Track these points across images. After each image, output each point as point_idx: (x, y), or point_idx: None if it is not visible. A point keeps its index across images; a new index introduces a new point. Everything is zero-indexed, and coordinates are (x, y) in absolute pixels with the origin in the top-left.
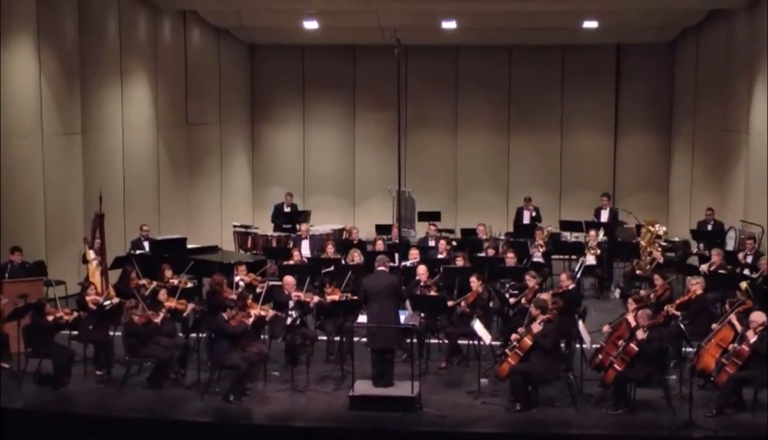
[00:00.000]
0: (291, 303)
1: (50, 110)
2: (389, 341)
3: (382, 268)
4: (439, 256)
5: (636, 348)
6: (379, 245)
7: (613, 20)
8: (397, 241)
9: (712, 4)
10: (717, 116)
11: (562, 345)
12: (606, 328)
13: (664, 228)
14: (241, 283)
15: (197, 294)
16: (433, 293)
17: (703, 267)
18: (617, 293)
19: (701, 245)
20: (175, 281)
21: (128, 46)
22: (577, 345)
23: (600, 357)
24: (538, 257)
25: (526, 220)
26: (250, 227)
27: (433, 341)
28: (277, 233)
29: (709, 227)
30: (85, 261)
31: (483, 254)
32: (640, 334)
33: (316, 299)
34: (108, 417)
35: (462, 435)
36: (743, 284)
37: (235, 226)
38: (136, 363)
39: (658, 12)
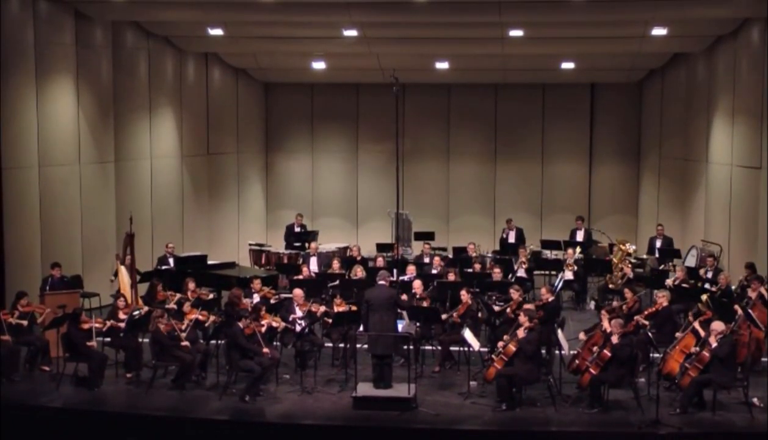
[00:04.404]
0: (298, 314)
1: (87, 141)
2: (388, 347)
3: (382, 282)
4: (433, 271)
5: (609, 354)
6: (380, 262)
7: (588, 62)
8: (397, 258)
9: (674, 48)
10: (680, 147)
11: (543, 351)
12: (582, 336)
13: (634, 247)
14: (256, 297)
15: (217, 305)
16: (425, 304)
17: (668, 282)
18: (592, 304)
19: (666, 261)
20: (197, 294)
21: (156, 84)
22: (556, 352)
23: (577, 361)
24: (521, 272)
25: (511, 239)
26: (264, 246)
27: (428, 347)
28: (288, 251)
29: (659, 243)
30: (116, 275)
31: (471, 270)
32: (614, 340)
33: (323, 309)
34: (137, 414)
35: (453, 431)
36: (704, 297)
37: (250, 244)
38: (161, 367)
39: (627, 55)
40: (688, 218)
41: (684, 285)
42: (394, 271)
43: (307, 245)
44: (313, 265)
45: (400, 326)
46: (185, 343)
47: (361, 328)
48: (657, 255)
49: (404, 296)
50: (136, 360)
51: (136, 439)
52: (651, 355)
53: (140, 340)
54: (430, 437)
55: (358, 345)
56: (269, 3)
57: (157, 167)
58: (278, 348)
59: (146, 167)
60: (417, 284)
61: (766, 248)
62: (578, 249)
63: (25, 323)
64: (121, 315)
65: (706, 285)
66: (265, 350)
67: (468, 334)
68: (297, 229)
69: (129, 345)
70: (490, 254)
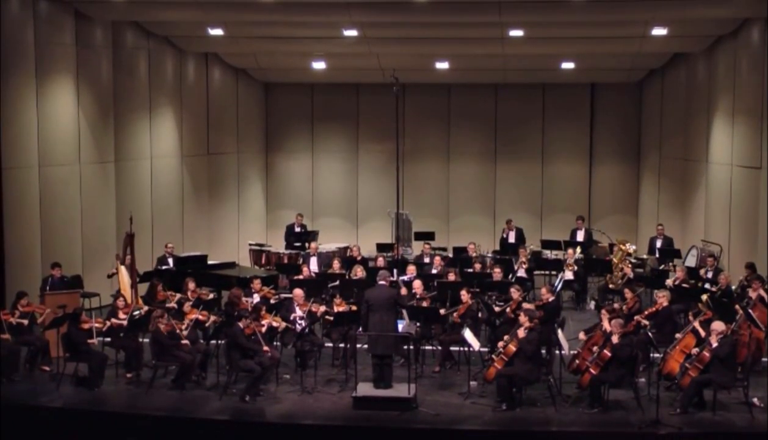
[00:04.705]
0: (298, 313)
1: (87, 141)
2: (389, 347)
3: (382, 282)
4: (433, 271)
5: (609, 354)
6: (380, 262)
7: (588, 62)
8: (397, 258)
9: (674, 48)
10: (680, 146)
11: (543, 351)
12: (582, 336)
13: (634, 247)
14: (255, 298)
15: (217, 305)
16: (425, 304)
17: (669, 282)
18: (592, 304)
19: (666, 261)
20: (197, 294)
21: (156, 84)
22: (556, 352)
23: (577, 361)
24: (521, 272)
25: (511, 239)
26: (264, 246)
27: (428, 347)
28: (288, 251)
29: (659, 243)
30: (111, 275)
31: (472, 270)
32: (615, 340)
33: (323, 309)
34: (137, 414)
35: (454, 432)
36: (704, 297)
37: (250, 244)
38: (162, 367)
39: (627, 55)
40: (688, 218)
41: (684, 285)
42: (395, 271)
43: (307, 245)
44: (314, 265)
45: (400, 327)
46: (185, 342)
47: (361, 329)
48: (657, 255)
49: (404, 291)
50: (136, 360)
51: (136, 439)
52: (651, 355)
53: (140, 340)
54: (430, 437)
55: (358, 345)
56: (269, 3)
57: (157, 167)
58: (278, 348)
59: (146, 167)
60: (417, 284)
61: (766, 248)
62: (578, 249)
63: (25, 322)
64: (121, 315)
65: (707, 285)
66: (265, 348)
67: (468, 334)
68: (297, 229)
69: (129, 345)
70: (490, 254)
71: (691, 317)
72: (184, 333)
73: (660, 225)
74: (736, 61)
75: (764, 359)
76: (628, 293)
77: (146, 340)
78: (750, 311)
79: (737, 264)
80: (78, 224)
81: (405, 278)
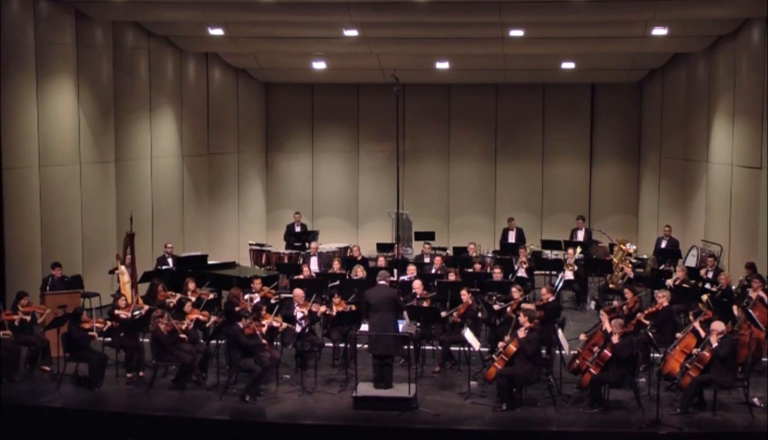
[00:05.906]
0: (298, 315)
1: (87, 141)
2: (389, 347)
3: (382, 282)
4: (433, 271)
5: (609, 354)
6: (381, 262)
7: (588, 62)
8: (398, 258)
9: (674, 48)
10: (680, 146)
11: (543, 351)
12: (582, 336)
13: (634, 247)
14: (256, 296)
15: (217, 305)
16: (425, 304)
17: (669, 282)
18: (592, 304)
19: (667, 261)
20: (197, 294)
21: (157, 84)
22: (557, 351)
23: (577, 361)
24: (521, 272)
25: (511, 239)
26: (265, 245)
27: (428, 347)
28: (288, 251)
29: (664, 244)
30: (112, 271)
31: (472, 270)
32: (615, 340)
33: (323, 309)
34: (137, 414)
35: (454, 431)
36: (704, 297)
37: (251, 244)
38: (162, 367)
39: (627, 55)
40: (689, 218)
41: (684, 285)
42: (395, 271)
43: (307, 244)
44: (314, 265)
45: (400, 327)
46: (183, 336)
47: (364, 326)
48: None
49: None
50: (137, 359)
51: (136, 439)
52: (651, 355)
53: (141, 340)
54: (430, 437)
55: (358, 345)
56: (269, 3)
57: (157, 167)
58: (278, 348)
59: (146, 167)
60: (417, 284)
61: (766, 248)
62: (578, 249)
63: (28, 318)
64: (122, 315)
65: (707, 285)
66: (264, 342)
67: (468, 334)
68: (297, 229)
69: (129, 344)
70: (490, 254)
71: (691, 317)
72: (189, 327)
73: (667, 226)
74: (736, 61)
75: (764, 359)
76: (628, 293)
77: (146, 340)
78: (750, 311)
79: (737, 264)
80: (78, 224)
81: (405, 278)
